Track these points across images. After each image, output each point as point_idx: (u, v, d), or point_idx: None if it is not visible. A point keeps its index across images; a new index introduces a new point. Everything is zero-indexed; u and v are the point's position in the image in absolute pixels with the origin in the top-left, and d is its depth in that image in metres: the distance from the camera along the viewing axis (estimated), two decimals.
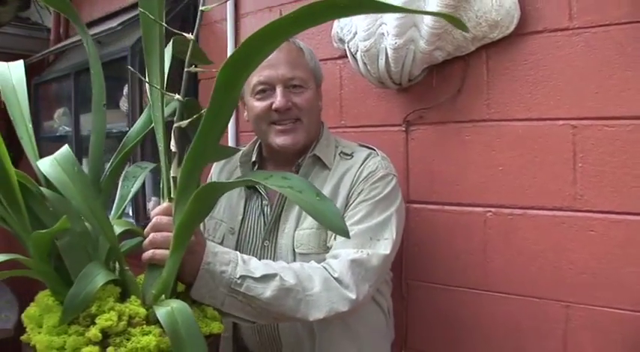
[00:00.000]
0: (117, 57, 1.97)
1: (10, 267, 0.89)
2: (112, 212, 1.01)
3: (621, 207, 1.23)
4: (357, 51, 1.40)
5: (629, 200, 1.21)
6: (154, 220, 0.85)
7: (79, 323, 0.78)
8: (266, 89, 1.16)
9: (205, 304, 0.89)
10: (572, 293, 1.30)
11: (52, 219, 0.85)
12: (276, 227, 1.20)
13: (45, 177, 0.87)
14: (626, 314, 1.23)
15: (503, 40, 1.34)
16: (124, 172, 1.10)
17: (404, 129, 1.54)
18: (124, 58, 1.93)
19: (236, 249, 1.10)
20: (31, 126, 0.98)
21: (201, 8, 0.83)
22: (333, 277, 1.01)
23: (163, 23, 0.90)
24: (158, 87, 0.88)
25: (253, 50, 0.67)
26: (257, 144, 1.29)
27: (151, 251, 0.83)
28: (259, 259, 1.00)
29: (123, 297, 0.84)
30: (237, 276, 0.91)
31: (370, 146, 1.26)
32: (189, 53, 0.82)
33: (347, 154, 1.23)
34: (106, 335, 0.77)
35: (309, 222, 1.16)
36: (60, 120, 2.56)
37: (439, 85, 1.48)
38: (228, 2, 1.90)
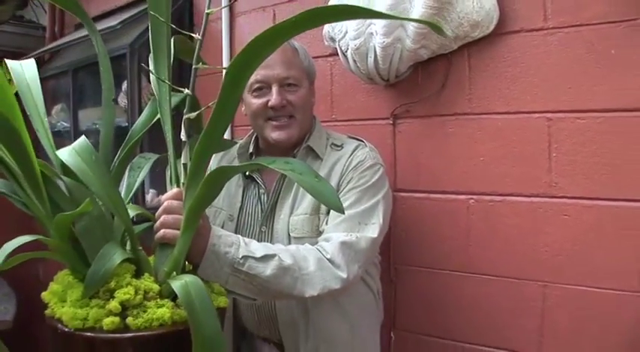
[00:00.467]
0: (116, 54, 2.03)
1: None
2: None
3: (592, 193, 1.32)
4: (348, 49, 1.48)
5: (599, 186, 1.31)
6: (165, 204, 0.93)
7: (99, 297, 0.86)
8: (262, 87, 1.24)
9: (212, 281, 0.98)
10: (548, 273, 1.40)
11: (69, 204, 0.93)
12: (272, 213, 1.29)
13: (62, 165, 0.94)
14: (599, 291, 1.33)
15: (483, 39, 1.42)
16: (130, 163, 1.18)
17: (391, 122, 1.62)
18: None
19: None
20: (46, 119, 1.05)
21: (206, 11, 0.91)
22: (326, 258, 1.10)
23: (170, 23, 0.99)
24: (167, 82, 0.96)
25: (256, 52, 0.75)
26: (253, 137, 1.37)
27: (163, 231, 0.91)
28: None
29: (137, 275, 0.91)
30: (240, 257, 0.99)
31: (359, 138, 1.35)
32: (196, 52, 0.90)
33: (337, 146, 1.32)
34: (124, 308, 0.85)
35: (302, 208, 1.25)
36: (58, 116, 2.62)
37: (424, 81, 1.56)
38: (223, 2, 1.98)
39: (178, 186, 0.96)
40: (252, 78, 1.21)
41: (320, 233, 1.21)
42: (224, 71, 0.77)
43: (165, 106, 1.01)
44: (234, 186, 1.34)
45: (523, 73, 1.40)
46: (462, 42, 1.42)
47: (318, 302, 1.25)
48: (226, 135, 1.94)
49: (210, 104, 0.85)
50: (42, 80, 2.61)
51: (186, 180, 0.87)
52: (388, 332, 1.64)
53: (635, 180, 1.26)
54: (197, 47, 0.90)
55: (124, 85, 2.15)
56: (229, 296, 1.04)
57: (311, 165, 1.29)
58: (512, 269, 1.45)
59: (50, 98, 2.73)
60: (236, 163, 1.36)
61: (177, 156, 0.99)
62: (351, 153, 1.28)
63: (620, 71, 1.26)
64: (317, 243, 1.17)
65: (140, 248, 0.94)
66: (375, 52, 1.42)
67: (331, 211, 1.21)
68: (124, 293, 0.85)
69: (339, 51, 1.55)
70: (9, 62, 1.07)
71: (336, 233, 1.15)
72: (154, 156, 1.21)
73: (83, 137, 0.95)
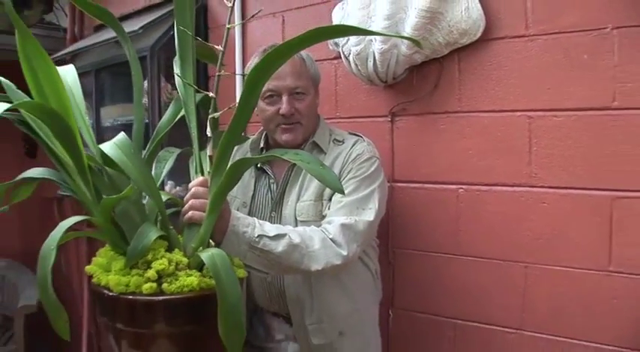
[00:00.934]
0: (142, 55, 2.18)
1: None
2: None
3: (568, 183, 1.46)
4: (350, 54, 1.63)
5: (574, 177, 1.45)
6: (193, 190, 1.08)
7: (138, 267, 1.02)
8: (274, 95, 1.40)
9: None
10: (529, 255, 1.54)
11: (109, 190, 1.09)
12: (281, 200, 1.44)
13: (102, 157, 1.10)
14: (573, 271, 1.47)
15: (471, 45, 1.56)
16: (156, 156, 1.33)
17: (389, 119, 1.77)
18: (144, 57, 2.14)
19: None
20: (87, 117, 1.21)
21: (227, 26, 1.07)
22: (329, 238, 1.25)
23: (193, 35, 1.14)
24: (193, 85, 1.11)
25: (271, 62, 0.91)
26: (263, 134, 1.53)
27: (191, 213, 1.07)
28: None
29: (168, 250, 1.07)
30: (256, 236, 1.15)
31: (358, 134, 1.50)
32: (219, 62, 1.05)
33: (339, 141, 1.47)
34: (160, 276, 1.00)
35: (308, 195, 1.40)
36: None
37: (419, 82, 1.69)
38: (235, 8, 2.13)
39: (203, 174, 1.12)
40: (265, 87, 1.33)
41: (323, 217, 1.36)
42: (236, 74, 0.92)
43: (190, 106, 1.16)
44: (247, 176, 1.50)
45: (507, 76, 1.54)
46: (452, 47, 1.56)
47: (321, 280, 1.40)
48: None
49: (230, 106, 1.01)
50: None
51: (212, 169, 1.03)
52: (387, 310, 1.78)
53: (604, 171, 1.40)
54: (220, 57, 1.05)
55: (145, 85, 2.30)
56: (246, 269, 1.21)
57: (316, 157, 1.44)
58: (496, 252, 1.59)
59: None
60: (249, 156, 1.51)
61: (202, 149, 1.15)
62: (351, 147, 1.43)
63: (592, 74, 1.40)
64: (321, 225, 1.32)
65: (171, 227, 1.11)
66: (374, 56, 1.56)
67: (333, 198, 1.36)
68: (159, 264, 1.00)
69: (342, 55, 1.69)
70: None
71: (337, 216, 1.31)
72: (177, 150, 1.36)
73: (122, 133, 1.11)
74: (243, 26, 2.12)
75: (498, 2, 1.52)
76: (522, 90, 1.52)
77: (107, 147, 1.07)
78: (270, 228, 1.19)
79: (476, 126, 1.61)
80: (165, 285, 0.99)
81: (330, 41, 1.74)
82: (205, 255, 0.96)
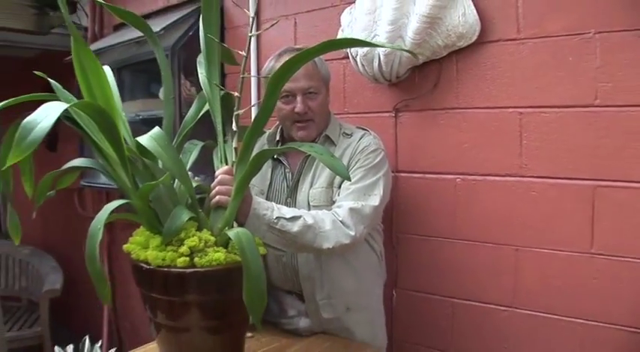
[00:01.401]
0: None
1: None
2: None
3: (555, 173, 1.58)
4: (357, 55, 1.76)
5: (560, 168, 1.57)
6: (219, 177, 1.23)
7: (173, 244, 1.16)
8: (289, 95, 1.53)
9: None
10: (520, 239, 1.66)
11: (143, 178, 1.24)
12: (295, 188, 1.59)
13: (138, 148, 1.24)
14: (559, 253, 1.60)
15: (468, 48, 1.68)
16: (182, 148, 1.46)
17: (393, 115, 1.89)
18: (165, 56, 2.28)
19: None
20: (124, 114, 1.35)
21: (249, 34, 1.21)
22: (339, 220, 1.40)
23: (219, 41, 1.29)
24: (219, 86, 1.26)
25: (289, 67, 1.05)
26: (279, 128, 1.67)
27: (218, 197, 1.21)
28: None
29: (197, 230, 1.21)
30: (274, 217, 1.31)
31: (365, 128, 1.64)
32: (242, 66, 1.20)
33: (348, 134, 1.61)
34: (191, 252, 1.15)
35: (320, 183, 1.54)
36: None
37: (420, 81, 1.81)
38: (250, 10, 2.26)
39: (227, 164, 1.27)
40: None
41: (333, 202, 1.51)
42: (257, 76, 1.07)
43: (216, 104, 1.30)
44: (264, 166, 1.63)
45: (500, 75, 1.66)
46: (450, 49, 1.68)
47: (330, 260, 1.54)
48: None
49: (253, 104, 1.16)
50: None
51: (237, 159, 1.18)
52: (391, 290, 1.92)
53: (587, 162, 1.53)
54: (243, 62, 1.20)
55: None
56: (265, 248, 1.36)
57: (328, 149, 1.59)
58: (490, 236, 1.72)
59: None
60: (271, 148, 1.64)
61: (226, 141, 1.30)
62: (359, 140, 1.57)
63: (576, 75, 1.52)
64: (331, 209, 1.46)
65: (200, 210, 1.26)
66: (380, 58, 1.70)
67: (342, 185, 1.51)
68: (191, 241, 1.15)
69: (350, 56, 1.82)
70: None
71: (346, 201, 1.45)
72: (200, 143, 1.49)
73: (157, 127, 1.25)
74: (258, 27, 2.25)
75: (492, 9, 1.64)
76: (514, 89, 1.64)
77: (144, 139, 1.21)
78: (287, 211, 1.35)
79: (472, 121, 1.73)
80: (196, 259, 1.14)
81: None
82: (232, 233, 1.12)
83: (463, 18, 1.61)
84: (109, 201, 3.29)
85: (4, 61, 3.03)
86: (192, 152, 1.47)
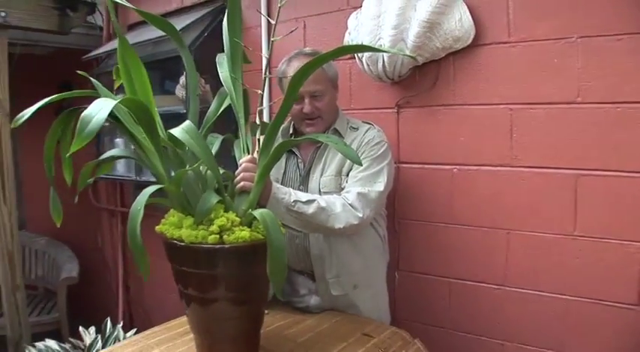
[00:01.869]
0: (175, 54, 2.46)
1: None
2: None
3: (541, 163, 1.73)
4: (363, 56, 1.91)
5: (546, 158, 1.72)
6: (243, 165, 1.37)
7: (203, 224, 1.31)
8: (298, 97, 1.65)
9: None
10: (510, 223, 1.81)
11: (175, 166, 1.39)
12: (307, 177, 1.74)
13: (170, 139, 1.38)
14: (546, 236, 1.75)
15: (464, 50, 1.82)
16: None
17: (396, 111, 2.03)
18: (191, 56, 2.43)
19: None
20: (156, 109, 1.50)
21: (272, 39, 1.37)
22: (348, 203, 1.56)
23: (242, 43, 1.44)
24: (245, 85, 1.41)
25: (306, 70, 1.20)
26: (292, 123, 1.82)
27: (242, 183, 1.36)
28: None
29: (224, 211, 1.37)
30: (292, 201, 1.47)
31: (370, 122, 1.78)
32: (264, 67, 1.36)
33: (354, 128, 1.76)
34: (220, 230, 1.30)
35: (330, 171, 1.69)
36: None
37: (420, 80, 1.95)
38: (262, 9, 2.40)
39: (249, 153, 1.42)
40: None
41: (342, 189, 1.66)
42: (281, 77, 1.22)
43: (239, 100, 1.45)
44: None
45: (492, 75, 1.79)
46: (447, 51, 1.82)
47: (339, 241, 1.69)
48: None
49: (275, 100, 1.32)
50: (104, 73, 2.99)
51: (260, 148, 1.33)
52: (393, 272, 2.07)
53: (570, 153, 1.67)
54: (265, 64, 1.35)
55: (182, 79, 2.59)
56: (290, 232, 1.52)
57: None
58: (483, 220, 1.86)
59: (111, 88, 3.16)
60: (290, 139, 1.78)
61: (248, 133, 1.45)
62: (364, 133, 1.72)
63: (560, 75, 1.67)
64: (341, 195, 1.61)
65: (226, 194, 1.41)
66: (383, 59, 1.85)
67: (350, 173, 1.66)
68: (220, 221, 1.30)
69: (356, 57, 1.97)
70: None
71: (354, 187, 1.61)
72: (220, 136, 1.63)
73: (188, 121, 1.40)
74: (269, 28, 2.39)
75: (486, 15, 1.79)
76: (505, 87, 1.78)
77: (177, 131, 1.35)
78: (303, 195, 1.51)
79: (467, 116, 1.87)
80: (225, 237, 1.28)
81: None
82: (257, 213, 1.27)
83: (459, 23, 1.76)
84: (122, 193, 3.47)
85: (25, 58, 3.18)
86: (214, 144, 1.61)
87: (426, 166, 1.99)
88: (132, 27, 3.28)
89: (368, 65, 1.92)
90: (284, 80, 1.71)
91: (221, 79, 1.51)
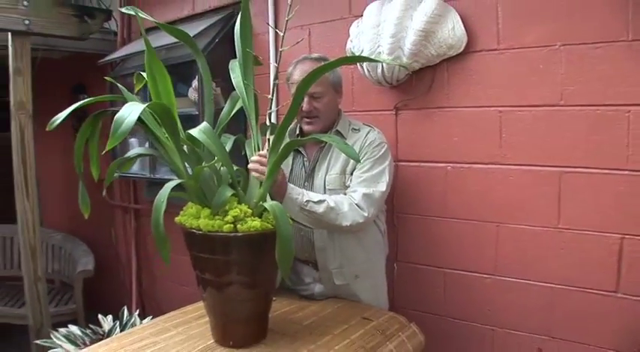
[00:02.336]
0: (188, 59, 2.60)
1: None
2: None
3: (528, 161, 1.85)
4: (364, 63, 2.04)
5: (533, 156, 1.84)
6: (255, 159, 1.50)
7: (219, 214, 1.45)
8: (302, 100, 1.80)
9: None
10: (500, 216, 1.93)
11: (192, 163, 1.53)
12: (312, 174, 1.87)
13: (188, 138, 1.53)
14: (533, 228, 1.86)
15: (457, 56, 1.94)
16: None
17: (394, 113, 2.15)
18: (194, 60, 2.57)
19: None
20: (176, 110, 1.63)
21: (280, 49, 1.52)
22: (355, 203, 1.70)
23: (253, 52, 1.59)
24: (256, 90, 1.56)
25: (313, 76, 1.35)
26: (298, 125, 1.96)
27: (256, 174, 1.49)
28: None
29: (238, 204, 1.51)
30: (305, 201, 1.61)
31: (370, 124, 1.91)
32: (273, 74, 1.51)
33: (356, 129, 1.89)
34: (234, 220, 1.43)
35: (334, 170, 1.83)
36: None
37: (417, 84, 2.07)
38: (270, 19, 2.54)
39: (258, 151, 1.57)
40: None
41: (346, 187, 1.79)
42: (291, 84, 1.37)
43: (251, 103, 1.59)
44: None
45: (483, 80, 1.91)
46: (442, 58, 1.95)
47: (341, 235, 1.82)
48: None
49: (283, 104, 1.46)
50: (120, 77, 3.13)
51: (270, 147, 1.48)
52: (392, 263, 2.19)
53: (554, 152, 1.79)
54: (274, 72, 1.50)
55: (194, 83, 2.73)
56: (297, 225, 1.65)
57: None
58: (475, 214, 1.98)
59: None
60: (297, 139, 1.90)
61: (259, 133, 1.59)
62: (365, 135, 1.85)
63: (545, 79, 1.78)
64: (344, 194, 1.75)
65: (239, 188, 1.55)
66: (383, 65, 1.98)
67: (354, 173, 1.79)
68: (234, 212, 1.44)
69: (358, 63, 2.09)
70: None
71: (359, 187, 1.74)
72: (232, 136, 1.74)
73: (205, 122, 1.55)
74: (277, 36, 2.52)
75: (477, 24, 1.91)
76: (494, 91, 1.90)
77: (195, 132, 1.49)
78: (314, 195, 1.65)
79: (460, 118, 1.99)
80: (238, 226, 1.42)
81: (348, 52, 2.15)
82: (267, 205, 1.41)
83: (452, 32, 1.89)
84: (135, 190, 3.61)
85: (44, 62, 3.34)
86: (227, 144, 1.74)
87: (423, 164, 2.11)
88: (146, 32, 3.40)
89: (368, 71, 2.06)
90: (290, 80, 1.87)
91: (234, 83, 1.62)
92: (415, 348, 1.68)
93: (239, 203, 1.49)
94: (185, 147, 1.52)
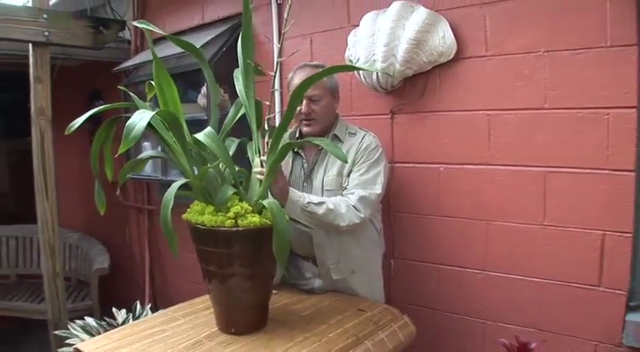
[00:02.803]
0: (196, 68, 2.71)
1: None
2: None
3: (515, 161, 1.94)
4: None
5: (520, 158, 1.93)
6: (257, 161, 1.64)
7: (222, 211, 1.56)
8: (298, 105, 1.90)
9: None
10: (489, 214, 2.02)
11: (198, 164, 1.65)
12: (310, 176, 1.98)
13: (194, 142, 1.65)
14: (520, 225, 1.95)
15: (447, 63, 2.03)
16: None
17: (390, 117, 2.25)
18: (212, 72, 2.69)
19: None
20: (184, 118, 1.76)
21: (276, 59, 1.64)
22: (352, 205, 1.80)
23: (253, 63, 1.71)
24: (257, 98, 1.68)
25: (308, 83, 1.47)
26: (298, 128, 2.08)
27: (258, 176, 1.63)
28: None
29: (239, 201, 1.63)
30: (306, 203, 1.73)
31: (366, 129, 2.00)
32: (273, 82, 1.63)
33: (352, 133, 1.99)
34: (236, 216, 1.56)
35: (332, 171, 1.93)
36: None
37: (410, 89, 2.17)
38: (273, 28, 2.66)
39: (260, 154, 1.69)
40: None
41: (343, 188, 1.89)
42: (289, 91, 1.49)
43: (251, 110, 1.70)
44: (287, 158, 2.04)
45: (472, 85, 2.00)
46: (433, 64, 2.05)
47: (340, 232, 1.90)
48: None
49: (278, 111, 1.58)
50: (132, 84, 3.28)
51: (269, 149, 1.60)
52: (389, 260, 2.29)
53: (540, 153, 1.88)
54: (273, 80, 1.62)
55: (203, 89, 2.85)
56: (298, 225, 1.77)
57: None
58: (466, 213, 2.07)
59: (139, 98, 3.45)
60: (291, 141, 2.02)
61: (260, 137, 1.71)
62: (361, 139, 1.94)
63: (530, 84, 1.87)
64: (341, 194, 1.85)
65: (241, 187, 1.67)
66: (377, 72, 2.10)
67: (351, 175, 1.89)
68: (235, 208, 1.55)
69: (355, 71, 2.22)
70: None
71: (357, 189, 1.84)
72: (237, 140, 1.85)
73: (210, 127, 1.67)
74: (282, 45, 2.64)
75: (466, 33, 2.01)
76: (483, 95, 1.99)
77: (201, 136, 1.61)
78: (314, 198, 1.76)
79: (451, 121, 2.08)
80: (239, 222, 1.54)
81: (346, 59, 2.26)
82: (266, 202, 1.52)
83: (443, 40, 1.99)
84: (149, 192, 3.75)
85: (61, 70, 3.50)
86: (231, 147, 1.85)
87: (417, 165, 2.20)
88: (156, 41, 3.53)
89: (365, 77, 2.17)
90: (290, 85, 1.98)
91: (237, 91, 1.73)
92: (406, 338, 1.78)
93: (240, 201, 1.60)
94: (194, 151, 1.65)
